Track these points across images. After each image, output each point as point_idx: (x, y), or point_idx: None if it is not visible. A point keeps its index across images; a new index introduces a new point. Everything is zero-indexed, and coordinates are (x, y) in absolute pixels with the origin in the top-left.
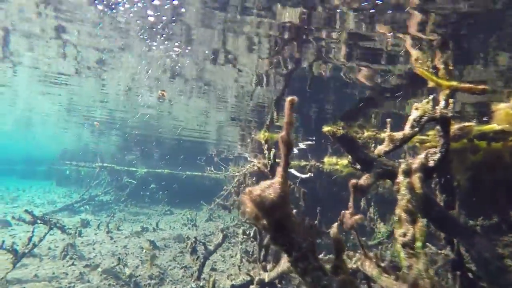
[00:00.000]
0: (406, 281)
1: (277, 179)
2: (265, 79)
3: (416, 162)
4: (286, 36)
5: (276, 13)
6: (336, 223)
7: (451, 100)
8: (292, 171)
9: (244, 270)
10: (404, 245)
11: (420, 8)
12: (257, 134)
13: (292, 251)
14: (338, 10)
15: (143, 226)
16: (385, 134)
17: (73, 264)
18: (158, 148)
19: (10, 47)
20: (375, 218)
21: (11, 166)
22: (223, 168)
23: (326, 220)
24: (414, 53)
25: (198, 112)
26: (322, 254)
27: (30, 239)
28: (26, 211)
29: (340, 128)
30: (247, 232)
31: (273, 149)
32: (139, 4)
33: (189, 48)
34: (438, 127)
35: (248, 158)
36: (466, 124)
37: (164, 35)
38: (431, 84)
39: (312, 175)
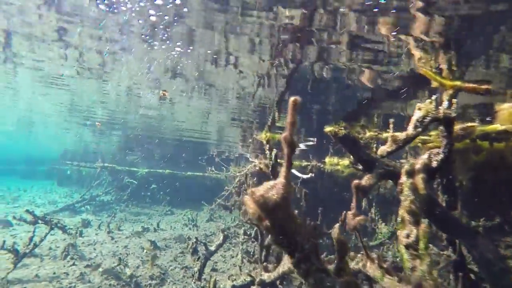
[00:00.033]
0: (410, 282)
1: (280, 180)
2: (266, 80)
3: (419, 162)
4: (287, 37)
5: (278, 14)
6: (338, 224)
7: (454, 100)
8: (293, 171)
9: (245, 271)
10: (407, 246)
11: (423, 10)
12: (259, 135)
13: (295, 253)
14: (342, 9)
15: (144, 226)
16: (387, 135)
17: (74, 264)
18: (159, 148)
19: (12, 48)
20: (377, 218)
21: (12, 166)
22: (224, 169)
23: (328, 220)
24: (417, 53)
25: (199, 112)
26: (323, 255)
27: (31, 239)
28: (27, 211)
29: (342, 128)
30: (248, 233)
31: (274, 149)
32: (141, 4)
33: (191, 48)
34: (441, 128)
35: (249, 159)
36: (469, 124)
37: (166, 35)
38: (434, 84)
39: (313, 175)
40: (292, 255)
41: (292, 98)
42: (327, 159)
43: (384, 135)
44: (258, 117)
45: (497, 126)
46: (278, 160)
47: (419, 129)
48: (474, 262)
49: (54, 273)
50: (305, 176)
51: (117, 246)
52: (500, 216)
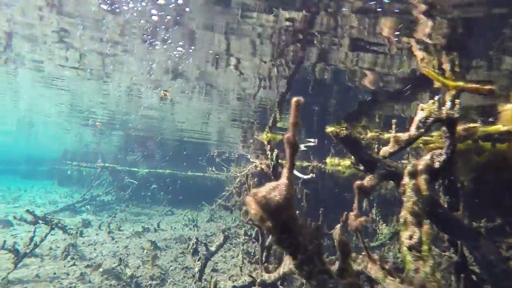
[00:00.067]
0: (412, 284)
1: (283, 180)
2: (267, 81)
3: (421, 163)
4: (288, 38)
5: (278, 16)
6: (339, 225)
7: (457, 101)
8: (295, 172)
9: (246, 271)
10: (410, 248)
11: (426, 13)
12: (260, 135)
13: (298, 254)
14: (344, 9)
15: (144, 227)
16: (389, 135)
17: (74, 264)
18: (160, 148)
19: (13, 49)
20: (378, 219)
21: (13, 166)
22: (225, 169)
23: (328, 221)
24: (420, 54)
25: (199, 113)
26: (324, 256)
27: (31, 239)
28: (27, 211)
29: (344, 129)
30: (249, 233)
31: (275, 150)
32: (143, 3)
33: (192, 47)
34: (444, 128)
35: (250, 159)
36: (471, 125)
37: (168, 35)
38: (437, 84)
39: (314, 176)
40: (294, 256)
41: (294, 99)
42: (328, 160)
43: (386, 135)
44: (259, 118)
45: (499, 127)
46: (279, 161)
47: (422, 130)
48: (475, 263)
49: (55, 273)
50: (306, 177)
51: (118, 246)
52: (502, 217)
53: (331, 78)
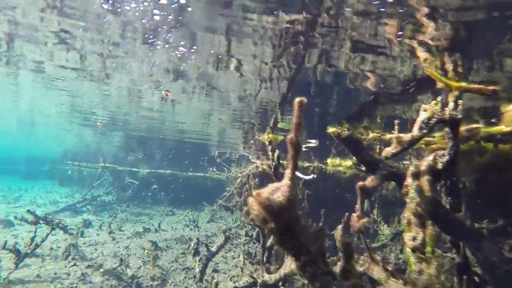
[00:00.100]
0: (416, 285)
1: (285, 181)
2: (268, 83)
3: (424, 164)
4: (289, 40)
5: (279, 18)
6: (340, 225)
7: (460, 102)
8: (296, 172)
9: (247, 272)
10: (414, 250)
11: (429, 16)
12: (261, 136)
13: (301, 255)
14: (347, 8)
15: (145, 227)
16: (392, 136)
17: (75, 264)
18: (160, 148)
19: (14, 50)
20: (379, 220)
21: (14, 166)
22: (226, 169)
23: (329, 221)
24: (422, 54)
25: (200, 113)
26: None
27: (32, 239)
28: (28, 211)
29: (345, 129)
30: (250, 234)
31: (277, 150)
32: (145, 3)
33: (193, 48)
34: (447, 129)
35: (251, 159)
36: (474, 125)
37: (170, 34)
38: (440, 85)
39: (315, 176)
40: (297, 257)
41: (297, 99)
42: (329, 160)
43: (388, 136)
44: (260, 119)
45: (502, 128)
46: (281, 161)
47: (425, 131)
48: (478, 265)
49: (56, 273)
50: (306, 177)
51: (118, 247)
52: (504, 218)
53: (332, 79)
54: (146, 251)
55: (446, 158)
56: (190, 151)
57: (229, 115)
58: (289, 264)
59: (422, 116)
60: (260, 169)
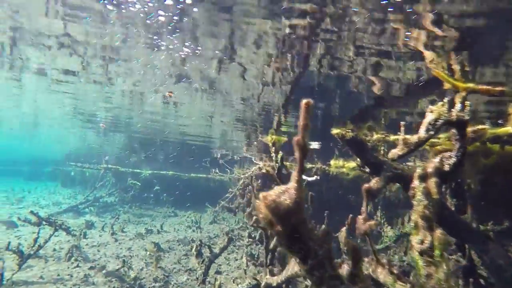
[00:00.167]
0: None
1: (292, 184)
2: (271, 86)
3: (431, 166)
4: (293, 44)
5: (281, 23)
6: (345, 228)
7: (467, 103)
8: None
9: (250, 274)
10: (421, 253)
11: (434, 22)
12: (264, 137)
13: (308, 259)
14: (353, 9)
15: (147, 228)
16: (396, 137)
17: (78, 266)
18: (163, 149)
19: (17, 54)
20: (382, 222)
21: (17, 167)
22: (228, 170)
23: (333, 223)
24: (428, 54)
25: (203, 115)
26: None
27: (35, 240)
28: (31, 212)
29: (349, 130)
30: (253, 235)
31: (280, 152)
32: (150, 4)
33: (196, 50)
34: (453, 131)
35: (254, 161)
36: (480, 127)
37: (174, 35)
38: (447, 86)
39: (318, 178)
40: (305, 261)
41: (304, 101)
42: (332, 162)
43: (392, 137)
44: (263, 121)
45: (509, 129)
46: (284, 163)
47: (431, 132)
48: (484, 267)
49: (58, 274)
50: (310, 179)
51: (121, 248)
52: (510, 219)
53: (335, 83)
54: (148, 253)
55: (453, 160)
56: (193, 152)
57: (232, 117)
58: (293, 266)
59: (429, 117)
60: (263, 171)
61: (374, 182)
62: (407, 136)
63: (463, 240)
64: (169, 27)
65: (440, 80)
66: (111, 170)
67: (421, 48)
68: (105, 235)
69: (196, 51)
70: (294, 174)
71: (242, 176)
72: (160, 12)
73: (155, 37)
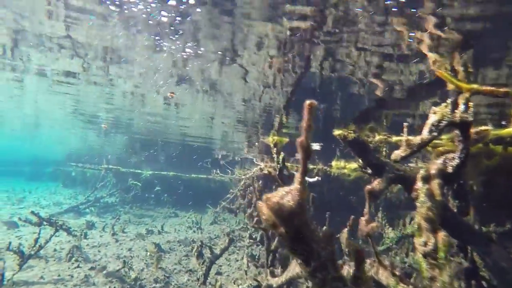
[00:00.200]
0: None
1: (296, 185)
2: (272, 88)
3: (434, 168)
4: (294, 46)
5: (283, 25)
6: (346, 229)
7: (471, 104)
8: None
9: (250, 275)
10: (425, 255)
11: (437, 25)
12: (265, 138)
13: (311, 260)
14: (356, 9)
15: (148, 229)
16: (398, 138)
17: (78, 266)
18: (164, 150)
19: (19, 55)
20: (383, 223)
21: (18, 168)
22: (229, 171)
23: (334, 224)
24: (432, 55)
25: (204, 116)
26: None
27: (36, 240)
28: (32, 212)
29: (351, 131)
30: (254, 236)
31: (282, 152)
32: (152, 5)
33: (198, 51)
34: (457, 132)
35: (255, 162)
36: (483, 128)
37: (177, 35)
38: (450, 86)
39: (319, 179)
40: (307, 263)
41: (307, 102)
42: (333, 163)
43: (394, 138)
44: (264, 122)
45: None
46: (286, 164)
47: (435, 133)
48: (486, 270)
49: (59, 275)
50: (311, 180)
51: (121, 249)
52: None
53: (336, 85)
54: (149, 253)
55: (457, 161)
56: (194, 153)
57: (233, 118)
58: (294, 267)
59: (432, 118)
60: (264, 171)
61: (376, 184)
62: (410, 137)
63: (465, 242)
64: (172, 28)
65: (441, 82)
66: (112, 171)
67: (424, 50)
68: (105, 236)
69: (198, 52)
70: (297, 176)
71: (243, 177)
72: (163, 13)
73: (157, 38)
